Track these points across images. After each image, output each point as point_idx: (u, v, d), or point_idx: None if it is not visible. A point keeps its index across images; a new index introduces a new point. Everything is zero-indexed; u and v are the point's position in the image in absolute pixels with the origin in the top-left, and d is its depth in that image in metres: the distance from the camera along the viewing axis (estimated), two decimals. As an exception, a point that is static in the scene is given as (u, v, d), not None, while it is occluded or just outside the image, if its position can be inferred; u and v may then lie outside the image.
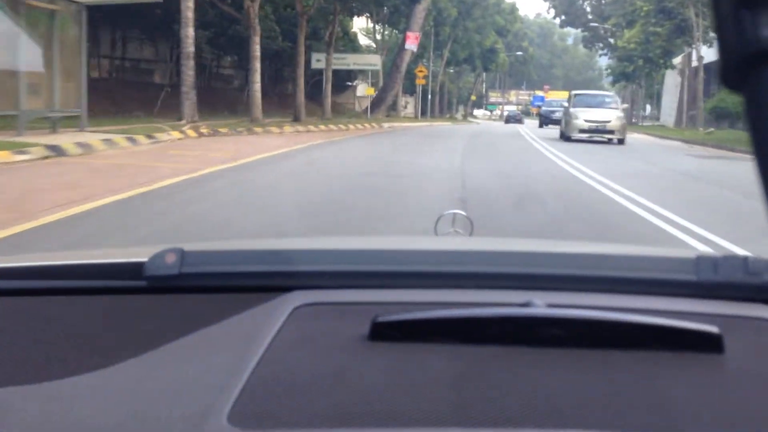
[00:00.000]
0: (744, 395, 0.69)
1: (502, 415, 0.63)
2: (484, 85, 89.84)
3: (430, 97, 43.06)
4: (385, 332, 0.77)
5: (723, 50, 0.36)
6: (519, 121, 52.38)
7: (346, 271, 1.02)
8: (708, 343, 0.76)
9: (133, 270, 0.96)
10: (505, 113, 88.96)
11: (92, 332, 0.89)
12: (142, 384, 0.71)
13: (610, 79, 53.51)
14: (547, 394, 0.67)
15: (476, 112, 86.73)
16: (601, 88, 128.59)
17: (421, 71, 39.38)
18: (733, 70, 0.36)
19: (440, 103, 53.62)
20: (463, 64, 55.69)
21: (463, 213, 1.62)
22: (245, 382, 0.67)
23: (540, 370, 0.72)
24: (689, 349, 0.76)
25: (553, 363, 0.73)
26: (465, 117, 58.83)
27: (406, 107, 49.71)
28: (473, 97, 56.39)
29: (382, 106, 33.48)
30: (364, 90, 39.35)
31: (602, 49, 74.76)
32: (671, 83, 46.31)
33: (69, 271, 1.05)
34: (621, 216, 6.77)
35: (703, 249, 4.96)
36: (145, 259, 0.96)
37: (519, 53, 71.27)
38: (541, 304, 0.80)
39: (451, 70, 58.27)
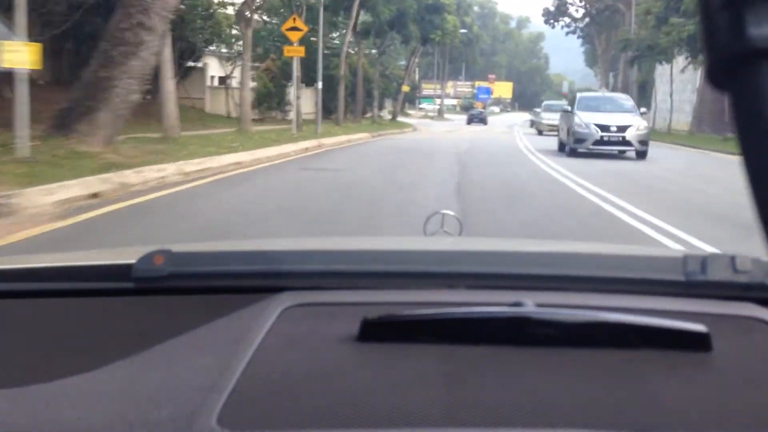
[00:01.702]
0: (731, 393, 0.70)
1: (493, 415, 0.63)
2: (417, 73, 69.90)
3: (320, 85, 21.83)
4: (375, 332, 0.77)
5: (709, 49, 0.35)
6: (483, 120, 45.54)
7: (336, 272, 1.01)
8: (696, 342, 0.76)
9: (121, 271, 0.96)
10: (443, 109, 69.62)
11: (80, 334, 0.89)
12: (130, 386, 0.71)
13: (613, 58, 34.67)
14: (537, 394, 0.67)
15: (411, 108, 66.66)
16: (546, 78, 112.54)
17: (293, 28, 18.29)
18: (719, 70, 0.36)
19: (353, 97, 32.83)
20: (390, 33, 34.78)
21: (451, 213, 1.59)
22: (234, 383, 0.67)
23: (530, 369, 0.72)
24: (677, 347, 0.76)
25: (543, 362, 0.73)
26: (395, 117, 37.55)
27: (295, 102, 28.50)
28: (406, 88, 34.86)
29: (102, 111, 8.92)
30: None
31: (568, 26, 57.40)
32: (669, 70, 28.94)
33: (56, 273, 1.05)
34: None
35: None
36: (133, 261, 0.96)
37: (463, 31, 51.15)
38: (530, 303, 0.79)
39: (374, 50, 37.49)
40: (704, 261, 0.94)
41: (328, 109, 31.30)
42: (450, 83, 79.04)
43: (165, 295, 0.96)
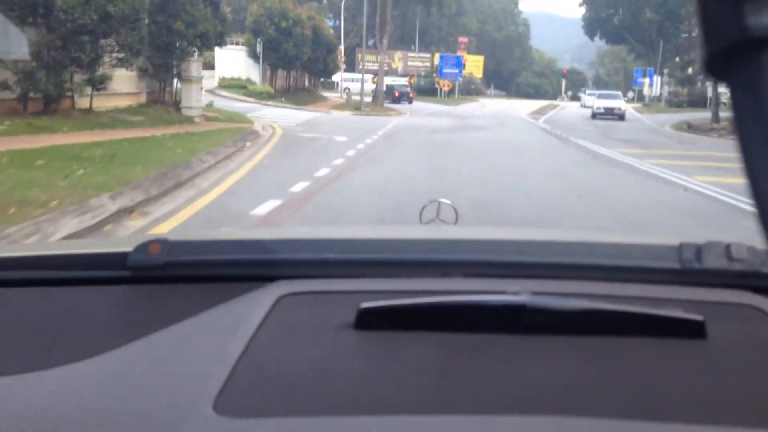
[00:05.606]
0: (726, 380, 0.72)
1: (488, 402, 0.65)
2: (342, 36, 40.83)
3: None
4: (371, 321, 0.78)
5: (707, 39, 0.35)
6: (409, 100, 38.00)
7: (331, 260, 1.02)
8: (691, 330, 0.78)
9: (117, 260, 0.97)
10: (381, 90, 40.41)
11: (76, 323, 0.89)
12: (127, 374, 0.72)
13: None
14: (533, 382, 0.69)
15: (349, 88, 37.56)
16: (528, 49, 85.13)
17: None
18: (717, 59, 0.35)
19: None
20: None
21: (447, 201, 1.58)
22: (231, 371, 0.69)
23: (525, 357, 0.74)
24: (673, 335, 0.78)
25: (538, 350, 0.75)
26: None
27: None
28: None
29: None
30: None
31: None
32: None
33: (52, 262, 1.05)
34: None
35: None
36: (129, 249, 0.96)
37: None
38: (526, 292, 0.80)
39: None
40: (699, 249, 0.94)
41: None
42: (397, 54, 50.85)
43: (161, 283, 0.96)
